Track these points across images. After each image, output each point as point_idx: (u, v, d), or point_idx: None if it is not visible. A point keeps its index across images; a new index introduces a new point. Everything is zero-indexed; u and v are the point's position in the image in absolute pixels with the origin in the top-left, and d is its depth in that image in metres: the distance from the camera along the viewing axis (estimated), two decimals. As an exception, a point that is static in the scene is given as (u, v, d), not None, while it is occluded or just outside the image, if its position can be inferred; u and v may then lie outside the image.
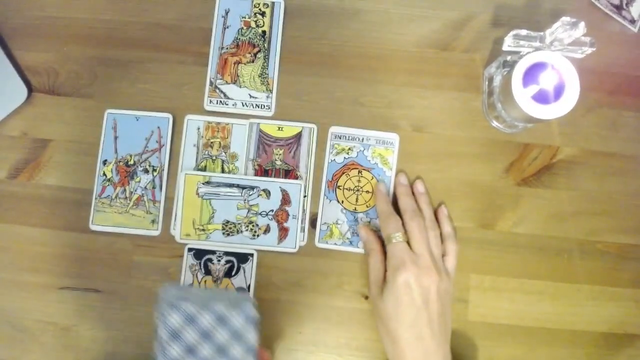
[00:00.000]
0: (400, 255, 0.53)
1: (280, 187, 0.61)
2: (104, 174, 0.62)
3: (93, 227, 0.61)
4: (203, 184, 0.61)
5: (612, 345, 0.60)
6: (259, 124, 0.62)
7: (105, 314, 0.60)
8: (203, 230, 0.60)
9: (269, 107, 0.62)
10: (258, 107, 0.62)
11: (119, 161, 0.62)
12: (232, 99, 0.62)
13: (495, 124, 0.62)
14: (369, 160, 0.62)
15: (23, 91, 0.63)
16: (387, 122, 0.62)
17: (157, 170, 0.62)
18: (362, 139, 0.62)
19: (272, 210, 0.61)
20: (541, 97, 0.54)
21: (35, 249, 0.61)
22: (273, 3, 0.64)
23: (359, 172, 0.62)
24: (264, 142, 0.62)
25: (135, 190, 0.61)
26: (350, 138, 0.62)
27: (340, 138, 0.62)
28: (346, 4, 0.65)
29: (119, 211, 0.61)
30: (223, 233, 0.60)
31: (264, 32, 0.64)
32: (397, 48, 0.64)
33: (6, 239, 0.62)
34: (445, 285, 0.54)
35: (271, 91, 0.63)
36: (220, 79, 0.63)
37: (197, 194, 0.61)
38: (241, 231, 0.60)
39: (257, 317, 0.43)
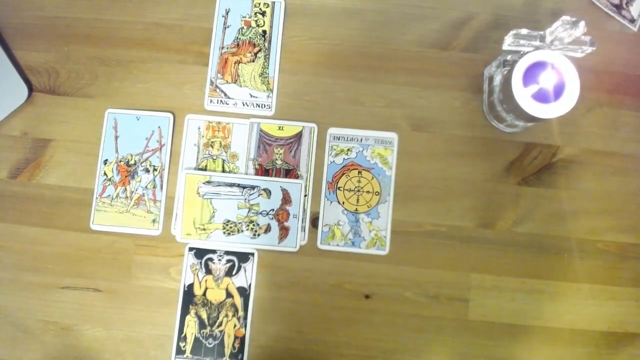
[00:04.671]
0: None
1: (280, 187, 0.61)
2: (105, 174, 0.62)
3: (94, 227, 0.61)
4: (204, 183, 0.61)
5: (612, 344, 0.60)
6: (259, 123, 0.62)
7: (106, 314, 0.60)
8: (204, 229, 0.60)
9: (269, 107, 0.62)
10: (258, 106, 0.62)
11: (120, 161, 0.62)
12: (232, 99, 0.63)
13: (495, 123, 0.62)
14: (369, 160, 0.62)
15: (23, 91, 0.63)
16: (387, 122, 0.62)
17: (158, 170, 0.62)
18: (361, 139, 0.62)
19: (272, 210, 0.61)
20: (541, 97, 0.54)
21: (36, 248, 0.61)
22: (273, 3, 0.64)
23: (359, 172, 0.62)
24: (264, 141, 0.62)
25: (136, 190, 0.61)
26: (348, 139, 0.62)
27: (338, 139, 0.62)
28: (346, 4, 0.65)
29: (120, 211, 0.61)
30: (224, 232, 0.60)
31: (264, 31, 0.64)
32: (397, 48, 0.64)
33: (7, 239, 0.62)
34: None
35: (271, 91, 0.63)
36: (221, 79, 0.63)
37: (198, 193, 0.61)
38: (242, 230, 0.60)
39: None
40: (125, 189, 0.61)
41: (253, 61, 0.63)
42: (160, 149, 0.62)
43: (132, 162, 0.62)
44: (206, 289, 0.60)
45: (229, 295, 0.60)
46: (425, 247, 0.61)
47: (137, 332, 0.60)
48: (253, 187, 0.61)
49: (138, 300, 0.60)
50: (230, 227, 0.60)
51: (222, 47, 0.64)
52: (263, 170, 0.62)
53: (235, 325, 0.59)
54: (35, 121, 0.63)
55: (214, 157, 0.62)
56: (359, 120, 0.62)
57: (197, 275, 0.60)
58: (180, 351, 0.59)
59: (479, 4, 0.64)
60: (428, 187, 0.61)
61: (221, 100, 0.62)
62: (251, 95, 0.63)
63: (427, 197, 0.61)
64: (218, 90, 0.63)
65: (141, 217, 0.61)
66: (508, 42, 0.55)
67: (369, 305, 0.60)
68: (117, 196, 0.61)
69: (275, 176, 0.61)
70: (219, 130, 0.62)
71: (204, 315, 0.59)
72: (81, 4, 0.65)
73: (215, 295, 0.60)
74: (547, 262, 0.61)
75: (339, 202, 0.61)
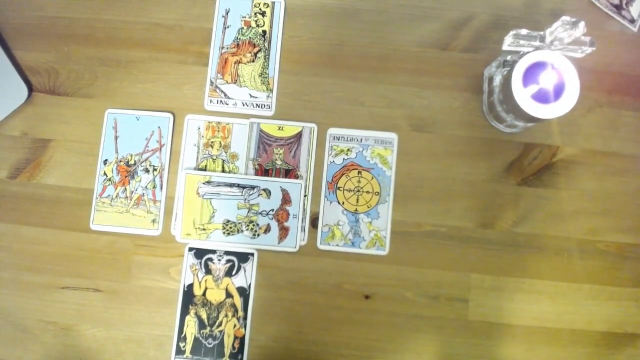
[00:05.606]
0: None
1: (280, 187, 0.61)
2: (105, 174, 0.62)
3: (94, 227, 0.61)
4: (203, 183, 0.61)
5: (612, 344, 0.60)
6: (259, 123, 0.62)
7: (106, 314, 0.60)
8: (203, 229, 0.60)
9: (269, 107, 0.62)
10: (258, 106, 0.62)
11: (120, 161, 0.62)
12: (232, 99, 0.63)
13: (495, 123, 0.62)
14: (368, 161, 0.62)
15: (23, 91, 0.63)
16: (387, 122, 0.62)
17: (158, 170, 0.62)
18: (361, 140, 0.62)
19: (272, 210, 0.61)
20: (541, 97, 0.54)
21: (36, 248, 0.61)
22: (273, 3, 0.64)
23: (359, 172, 0.62)
24: (264, 141, 0.62)
25: (136, 190, 0.61)
26: (348, 139, 0.62)
27: (338, 139, 0.62)
28: (346, 4, 0.65)
29: (120, 211, 0.61)
30: (223, 232, 0.60)
31: (264, 31, 0.64)
32: (397, 48, 0.64)
33: (7, 239, 0.62)
34: None
35: (271, 91, 0.63)
36: (221, 79, 0.63)
37: (198, 193, 0.61)
38: (241, 231, 0.60)
39: None
40: (125, 189, 0.61)
41: (253, 61, 0.63)
42: (160, 149, 0.62)
43: (132, 162, 0.62)
44: (206, 289, 0.60)
45: (228, 295, 0.60)
46: (425, 247, 0.61)
47: (137, 332, 0.60)
48: (253, 187, 0.61)
49: (138, 301, 0.60)
50: (230, 227, 0.60)
51: (222, 47, 0.64)
52: (263, 171, 0.62)
53: (235, 326, 0.59)
54: (35, 121, 0.63)
55: (214, 157, 0.62)
56: (359, 120, 0.62)
57: (197, 275, 0.60)
58: (180, 351, 0.59)
59: (479, 4, 0.64)
60: (428, 187, 0.61)
61: (221, 101, 0.62)
62: (251, 96, 0.63)
63: (427, 197, 0.61)
64: (218, 90, 0.63)
65: (141, 217, 0.61)
66: (508, 43, 0.55)
67: (369, 306, 0.60)
68: (117, 196, 0.61)
69: (275, 176, 0.61)
70: (218, 131, 0.62)
71: (204, 316, 0.59)
72: (81, 4, 0.65)
73: (215, 295, 0.60)
74: (546, 262, 0.61)
75: (338, 202, 0.61)
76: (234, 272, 0.60)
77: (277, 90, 0.63)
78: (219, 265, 0.60)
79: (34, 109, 0.64)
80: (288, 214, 0.61)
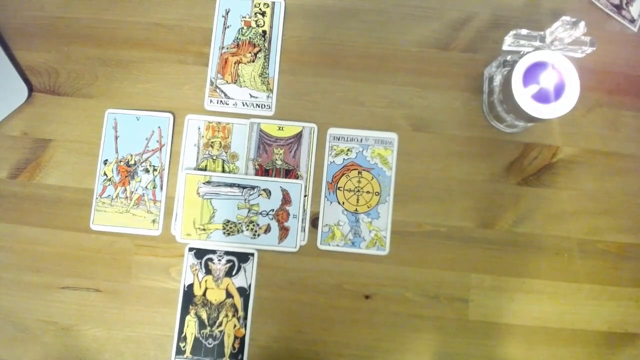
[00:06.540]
0: None
1: (280, 187, 0.61)
2: (105, 174, 0.62)
3: (94, 227, 0.61)
4: (204, 183, 0.61)
5: (613, 344, 0.60)
6: (259, 123, 0.62)
7: (106, 314, 0.60)
8: (204, 229, 0.60)
9: (269, 107, 0.62)
10: (258, 106, 0.62)
11: (120, 161, 0.62)
12: (232, 99, 0.63)
13: (495, 123, 0.62)
14: (369, 161, 0.62)
15: (24, 91, 0.63)
16: (387, 122, 0.62)
17: (158, 170, 0.62)
18: (361, 140, 0.62)
19: (272, 210, 0.61)
20: (541, 97, 0.54)
21: (36, 248, 0.61)
22: (273, 3, 0.64)
23: (359, 172, 0.62)
24: (264, 141, 0.62)
25: (136, 190, 0.61)
26: (348, 139, 0.62)
27: (338, 139, 0.62)
28: (346, 4, 0.65)
29: (120, 211, 0.61)
30: (224, 233, 0.60)
31: (264, 31, 0.64)
32: (397, 48, 0.64)
33: (7, 239, 0.62)
34: None
35: (271, 91, 0.63)
36: (221, 79, 0.63)
37: (198, 193, 0.61)
38: (242, 231, 0.60)
39: None
40: (125, 189, 0.61)
41: (253, 61, 0.63)
42: (160, 149, 0.62)
43: (132, 162, 0.62)
44: (206, 289, 0.60)
45: (229, 295, 0.60)
46: (425, 247, 0.61)
47: (137, 332, 0.60)
48: (253, 188, 0.61)
49: (138, 301, 0.60)
50: (230, 228, 0.60)
51: (222, 47, 0.64)
52: (263, 171, 0.62)
53: (235, 326, 0.59)
54: (35, 121, 0.63)
55: (214, 157, 0.62)
56: (359, 120, 0.62)
57: (197, 275, 0.60)
58: (180, 351, 0.59)
59: (479, 4, 0.64)
60: (428, 187, 0.61)
61: (221, 101, 0.63)
62: (251, 96, 0.63)
63: (427, 197, 0.61)
64: (218, 90, 0.63)
65: (141, 217, 0.61)
66: (508, 43, 0.55)
67: (369, 306, 0.60)
68: (117, 196, 0.61)
69: (275, 176, 0.61)
70: (218, 131, 0.62)
71: (204, 316, 0.59)
72: (81, 4, 0.65)
73: (215, 295, 0.60)
74: (547, 262, 0.61)
75: (339, 203, 0.61)
76: (234, 272, 0.60)
77: (277, 90, 0.63)
78: (219, 266, 0.60)
79: (34, 109, 0.64)
80: (288, 214, 0.61)
